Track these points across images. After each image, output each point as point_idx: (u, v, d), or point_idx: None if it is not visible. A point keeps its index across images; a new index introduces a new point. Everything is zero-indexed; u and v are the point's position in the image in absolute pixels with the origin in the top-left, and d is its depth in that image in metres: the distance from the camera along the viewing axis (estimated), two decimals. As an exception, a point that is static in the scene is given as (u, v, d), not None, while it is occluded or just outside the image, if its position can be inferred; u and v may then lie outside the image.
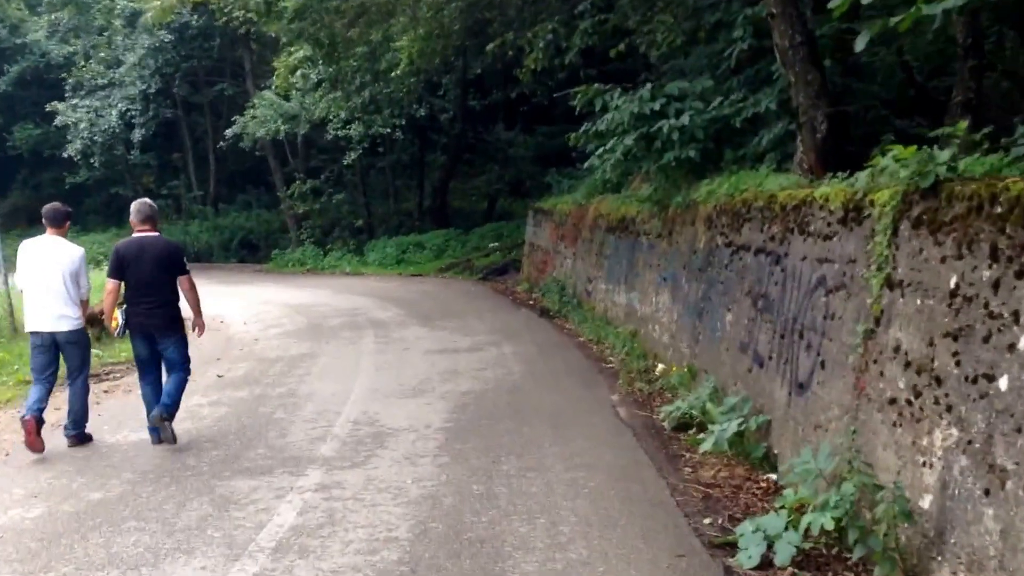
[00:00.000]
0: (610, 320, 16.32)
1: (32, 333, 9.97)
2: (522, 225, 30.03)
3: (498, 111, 35.88)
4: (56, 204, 10.29)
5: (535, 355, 14.76)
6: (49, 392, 9.98)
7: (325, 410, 11.40)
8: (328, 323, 19.49)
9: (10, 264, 37.33)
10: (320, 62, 26.28)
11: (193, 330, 10.55)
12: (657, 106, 12.03)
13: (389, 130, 29.65)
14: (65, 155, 39.64)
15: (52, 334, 9.86)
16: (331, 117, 29.80)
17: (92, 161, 39.96)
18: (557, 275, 21.47)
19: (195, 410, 11.61)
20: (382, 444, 9.70)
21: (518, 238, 30.42)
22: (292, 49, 26.28)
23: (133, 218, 9.98)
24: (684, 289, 12.18)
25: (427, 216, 37.89)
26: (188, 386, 10.44)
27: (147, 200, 10.41)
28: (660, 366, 12.55)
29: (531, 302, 21.76)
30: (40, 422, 9.61)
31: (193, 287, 10.21)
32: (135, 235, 9.99)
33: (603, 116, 12.72)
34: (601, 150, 12.90)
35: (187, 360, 10.23)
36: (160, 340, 10.01)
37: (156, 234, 10.08)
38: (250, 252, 40.51)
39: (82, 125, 38.68)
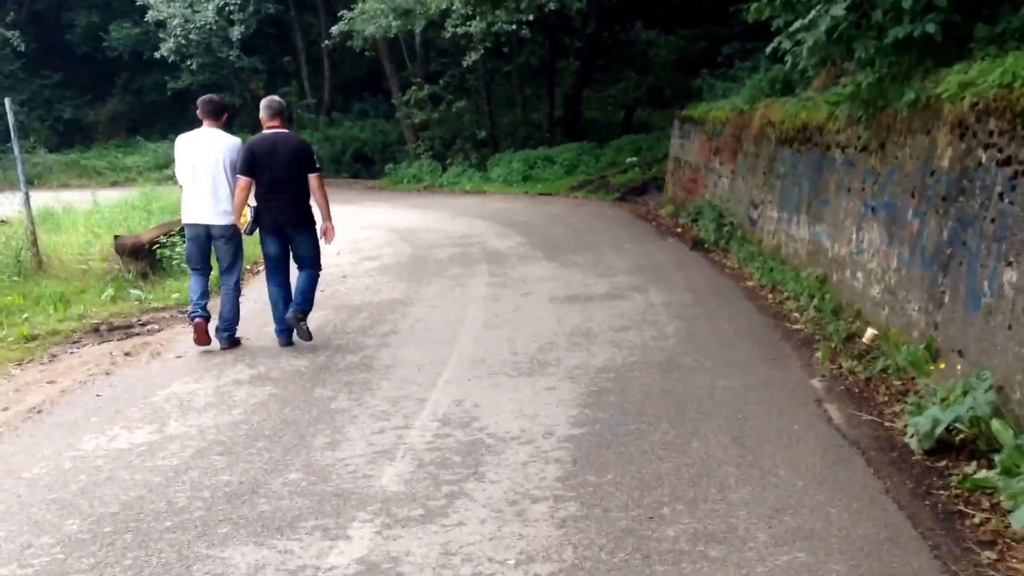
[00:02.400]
0: (785, 258, 12.70)
1: (188, 225, 9.97)
2: (663, 137, 26.52)
3: (637, 5, 32.05)
4: (212, 95, 10.31)
5: (692, 307, 11.25)
6: (207, 282, 10.06)
7: (405, 395, 8.17)
8: (435, 255, 16.20)
9: (52, 179, 35.38)
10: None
11: (322, 236, 10.11)
12: (879, -40, 8.35)
13: (514, 27, 25.89)
14: (158, 55, 36.30)
15: (207, 227, 9.84)
16: (451, 8, 26.25)
17: (190, 64, 36.80)
18: (710, 197, 17.71)
19: (227, 391, 8.53)
20: (476, 470, 6.37)
21: (659, 152, 26.87)
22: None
23: (262, 114, 9.88)
24: (911, 225, 8.54)
25: (557, 127, 34.17)
26: (229, 354, 9.80)
27: (276, 96, 10.34)
28: (870, 331, 9.05)
29: (678, 230, 18.07)
30: (207, 319, 9.85)
31: (322, 186, 10.04)
32: (266, 131, 9.84)
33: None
34: (797, 24, 9.26)
35: (319, 256, 10.21)
36: (294, 235, 9.94)
37: (286, 131, 10.00)
38: (364, 166, 37.10)
39: (175, 21, 35.30)
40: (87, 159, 39.29)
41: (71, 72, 43.15)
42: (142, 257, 13.44)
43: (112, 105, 44.50)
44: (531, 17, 25.63)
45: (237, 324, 10.04)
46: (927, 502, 5.60)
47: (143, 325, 11.31)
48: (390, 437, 7.09)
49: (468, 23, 26.07)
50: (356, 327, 10.86)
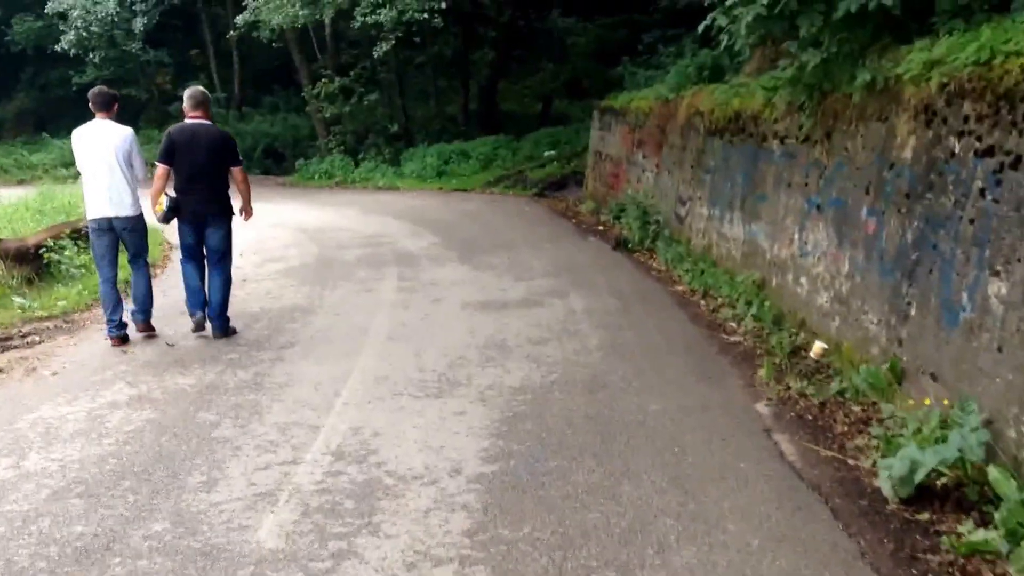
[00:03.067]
0: (717, 260, 11.81)
1: (91, 220, 9.75)
2: (583, 130, 25.57)
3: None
4: (102, 87, 10.06)
5: (618, 315, 10.32)
6: (115, 285, 9.84)
7: (297, 421, 7.15)
8: (343, 256, 15.10)
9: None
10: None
11: (240, 214, 10.25)
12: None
13: (426, 15, 24.81)
14: (59, 49, 34.61)
15: (109, 220, 9.66)
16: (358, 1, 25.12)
17: (93, 57, 35.15)
18: (633, 193, 16.75)
19: (101, 415, 7.48)
20: (369, 520, 5.36)
21: (578, 145, 26.05)
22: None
23: (185, 104, 9.88)
24: (866, 225, 7.65)
25: (473, 120, 33.19)
26: (108, 371, 8.72)
27: (200, 87, 10.28)
28: (818, 344, 8.18)
29: (600, 227, 17.15)
30: (124, 339, 9.77)
31: (246, 179, 10.23)
32: (188, 121, 9.83)
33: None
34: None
35: (231, 250, 10.21)
36: (210, 227, 9.91)
37: (209, 122, 9.97)
38: (275, 162, 35.44)
39: (75, 13, 33.53)
40: (-6, 157, 37.76)
41: (-25, 68, 41.51)
42: (27, 262, 12.40)
43: (18, 101, 42.69)
44: (444, 5, 24.70)
45: (151, 305, 10.07)
46: (915, 571, 4.64)
47: (23, 337, 10.22)
48: (275, 475, 6.07)
49: (378, 12, 25.01)
50: (252, 338, 9.82)
